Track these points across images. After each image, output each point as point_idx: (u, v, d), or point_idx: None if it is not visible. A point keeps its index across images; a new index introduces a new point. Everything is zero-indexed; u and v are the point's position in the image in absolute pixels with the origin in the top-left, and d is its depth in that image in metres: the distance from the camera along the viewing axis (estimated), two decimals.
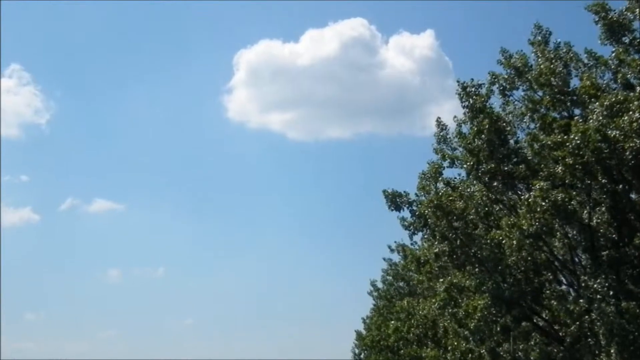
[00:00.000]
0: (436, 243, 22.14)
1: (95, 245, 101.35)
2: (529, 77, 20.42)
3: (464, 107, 21.20)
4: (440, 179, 22.96)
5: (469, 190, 22.06)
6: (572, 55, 19.85)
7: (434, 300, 24.57)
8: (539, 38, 20.87)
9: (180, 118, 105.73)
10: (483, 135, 20.48)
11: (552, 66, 19.60)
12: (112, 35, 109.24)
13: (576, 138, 17.54)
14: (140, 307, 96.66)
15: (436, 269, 23.47)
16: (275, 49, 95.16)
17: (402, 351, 30.95)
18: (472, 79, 20.95)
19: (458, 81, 21.05)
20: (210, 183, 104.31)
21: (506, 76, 21.28)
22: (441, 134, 22.98)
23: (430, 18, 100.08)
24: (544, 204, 18.09)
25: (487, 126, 20.35)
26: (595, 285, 17.69)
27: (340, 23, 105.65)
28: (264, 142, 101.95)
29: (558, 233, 19.19)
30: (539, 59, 20.24)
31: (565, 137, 18.09)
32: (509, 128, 20.77)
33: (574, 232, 19.24)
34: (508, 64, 21.25)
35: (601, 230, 18.41)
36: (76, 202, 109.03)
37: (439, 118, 23.09)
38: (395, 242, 35.55)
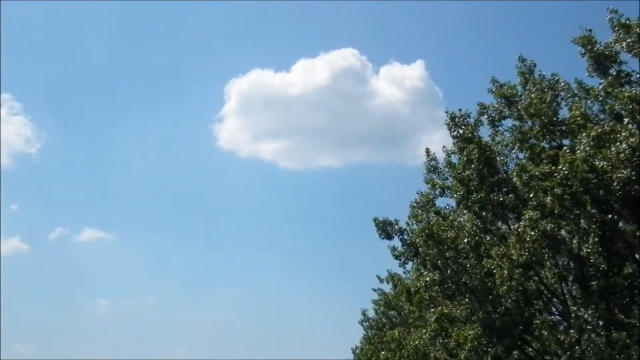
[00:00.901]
0: (427, 272, 22.36)
1: (84, 275, 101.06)
2: (519, 107, 20.75)
3: (452, 137, 21.58)
4: (431, 208, 23.22)
5: (459, 219, 22.22)
6: (562, 85, 20.11)
7: (424, 331, 24.71)
8: (524, 70, 21.26)
9: (171, 147, 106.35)
10: (473, 165, 20.67)
11: (542, 96, 19.88)
12: (104, 65, 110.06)
13: (564, 168, 17.61)
14: (129, 337, 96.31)
15: (427, 298, 23.69)
16: (266, 78, 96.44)
17: None
18: (460, 109, 21.41)
19: (447, 112, 21.44)
20: (201, 212, 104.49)
21: (496, 105, 21.54)
22: (431, 163, 23.17)
23: (420, 49, 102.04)
24: (533, 233, 18.34)
25: (476, 156, 20.56)
26: (585, 316, 17.85)
27: (331, 53, 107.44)
28: (255, 171, 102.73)
29: (548, 263, 19.31)
30: (530, 89, 20.54)
31: (553, 167, 18.20)
32: (499, 158, 20.96)
33: (564, 261, 19.35)
34: (499, 93, 21.46)
35: (591, 260, 18.49)
36: (65, 231, 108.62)
37: (428, 149, 23.29)
38: (387, 270, 35.78)
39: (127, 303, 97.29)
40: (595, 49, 18.74)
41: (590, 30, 19.06)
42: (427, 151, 23.27)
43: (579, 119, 18.75)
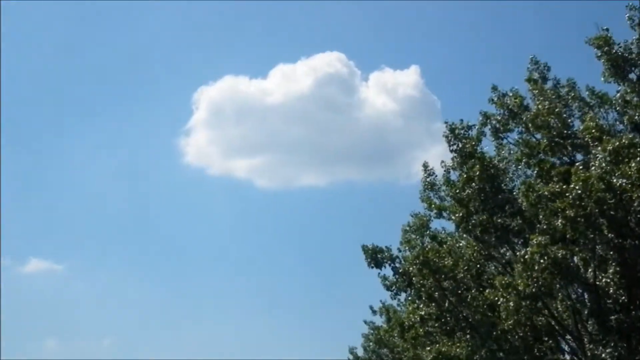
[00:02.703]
0: (422, 305, 21.85)
1: (29, 311, 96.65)
2: (525, 119, 20.46)
3: (452, 151, 21.20)
4: (426, 232, 23.05)
5: (458, 245, 21.99)
6: (574, 94, 19.87)
7: None
8: (536, 74, 21.00)
9: (130, 165, 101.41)
10: (474, 183, 20.34)
11: (550, 106, 19.57)
12: (50, 74, 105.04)
13: (577, 187, 17.28)
14: None
15: (422, 334, 22.82)
16: (240, 86, 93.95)
17: None
18: (462, 120, 21.04)
19: (446, 122, 21.12)
20: (165, 239, 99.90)
21: (499, 117, 21.40)
22: (428, 179, 22.93)
23: (415, 52, 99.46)
24: (542, 261, 17.83)
25: (478, 173, 20.25)
26: (603, 355, 17.51)
27: (314, 57, 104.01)
28: (227, 191, 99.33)
29: (560, 294, 19.01)
30: (536, 99, 20.27)
31: (564, 186, 17.83)
32: (502, 175, 20.82)
33: (578, 293, 19.17)
34: (500, 104, 21.34)
35: (609, 291, 18.21)
36: (8, 262, 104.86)
37: (426, 162, 23.01)
38: (380, 301, 34.73)
39: (80, 345, 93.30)
40: (613, 51, 18.43)
41: (607, 29, 18.76)
42: (425, 165, 22.96)
43: (593, 131, 18.43)
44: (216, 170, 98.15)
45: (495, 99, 21.34)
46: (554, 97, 19.90)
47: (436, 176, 22.75)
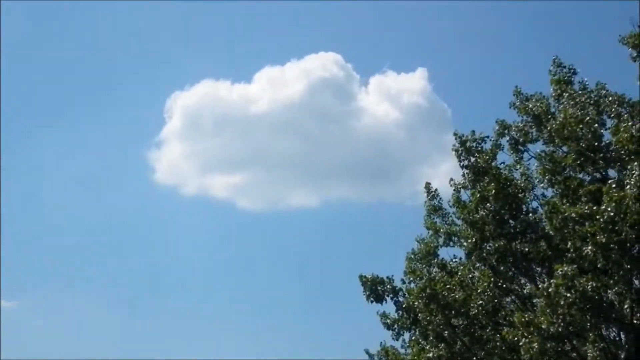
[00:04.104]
0: (429, 346, 21.27)
1: None
2: (550, 128, 19.77)
3: (463, 167, 20.74)
4: (434, 261, 22.33)
5: (471, 275, 21.45)
6: (609, 100, 19.10)
7: None
8: (560, 77, 20.31)
9: (91, 182, 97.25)
10: (488, 204, 19.98)
11: (581, 113, 19.00)
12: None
13: (609, 209, 16.75)
14: None
15: None
16: (221, 92, 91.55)
17: None
18: (473, 131, 20.71)
19: (455, 134, 20.73)
20: (133, 269, 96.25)
21: (520, 125, 20.84)
22: (432, 202, 22.49)
23: (422, 53, 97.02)
24: (569, 295, 17.13)
25: (493, 192, 19.83)
26: None
27: (306, 59, 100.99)
28: (204, 213, 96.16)
29: (591, 334, 18.12)
30: (566, 103, 19.68)
31: (595, 207, 17.35)
32: (522, 194, 20.29)
33: (612, 333, 18.59)
34: (524, 110, 20.73)
35: None
36: None
37: (429, 183, 22.62)
38: (381, 343, 33.17)
39: None
40: None
41: None
42: (428, 187, 22.62)
43: (627, 143, 17.83)
44: (191, 189, 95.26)
45: (518, 103, 20.98)
46: (586, 101, 19.35)
47: (441, 199, 22.41)
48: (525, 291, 20.52)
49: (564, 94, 19.94)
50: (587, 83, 19.97)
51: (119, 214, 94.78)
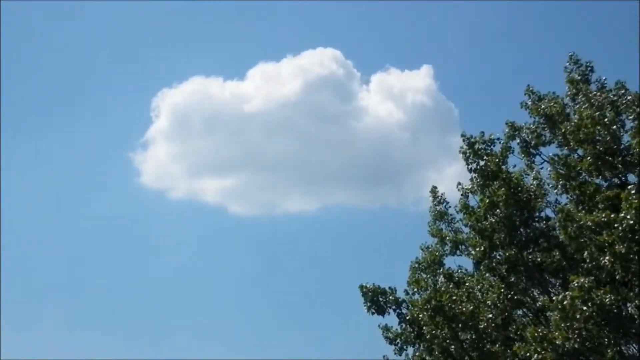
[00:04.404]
0: None
1: None
2: (564, 130, 19.40)
3: (470, 170, 20.44)
4: (440, 270, 21.96)
5: (479, 287, 21.21)
6: (628, 100, 18.70)
7: None
8: (577, 76, 20.00)
9: (71, 186, 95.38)
10: (498, 210, 19.67)
11: (598, 114, 18.55)
12: None
13: (629, 216, 16.59)
14: None
15: None
16: (212, 89, 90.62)
17: None
18: (482, 133, 20.42)
19: (463, 135, 20.45)
20: (117, 282, 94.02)
21: (532, 127, 20.50)
22: (438, 208, 22.13)
23: (427, 50, 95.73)
24: (585, 308, 16.88)
25: (503, 197, 19.49)
26: None
27: (303, 55, 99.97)
28: (194, 218, 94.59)
29: (609, 351, 17.41)
30: (582, 103, 19.32)
31: (613, 215, 17.16)
32: (534, 200, 19.96)
33: (633, 349, 17.92)
34: (537, 110, 20.38)
35: None
36: None
37: (435, 187, 22.28)
38: (384, 356, 32.80)
39: None
40: None
41: None
42: (434, 191, 22.29)
43: None
44: (180, 193, 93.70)
45: (530, 103, 20.70)
46: (604, 101, 18.95)
47: (448, 204, 22.11)
48: (538, 304, 20.20)
49: (580, 93, 19.64)
50: (605, 82, 19.61)
51: (103, 220, 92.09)
